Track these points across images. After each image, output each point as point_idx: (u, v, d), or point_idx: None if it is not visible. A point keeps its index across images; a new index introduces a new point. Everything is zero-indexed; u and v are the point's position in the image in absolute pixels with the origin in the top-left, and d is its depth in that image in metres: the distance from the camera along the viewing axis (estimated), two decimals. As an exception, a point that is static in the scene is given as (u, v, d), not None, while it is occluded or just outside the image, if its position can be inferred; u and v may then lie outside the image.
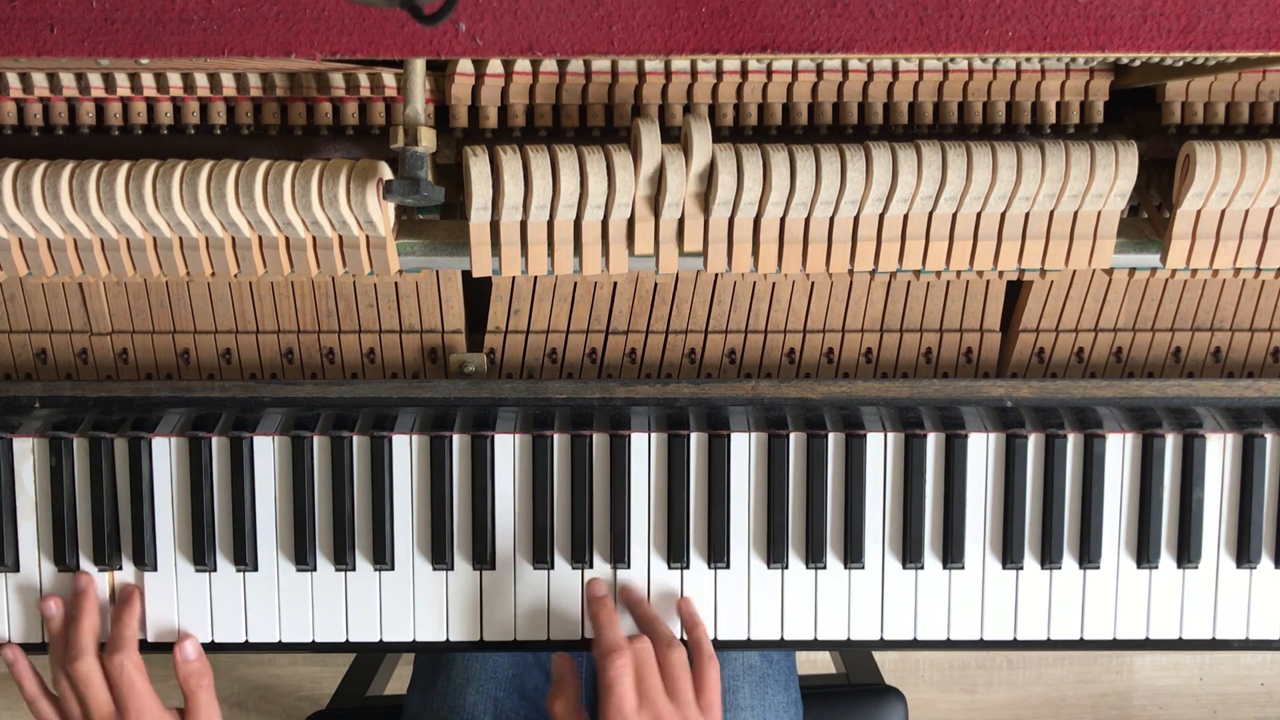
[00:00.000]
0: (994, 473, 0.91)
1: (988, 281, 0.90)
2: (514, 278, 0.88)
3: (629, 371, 0.91)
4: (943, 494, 0.91)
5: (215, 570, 0.91)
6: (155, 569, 0.91)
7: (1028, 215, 0.78)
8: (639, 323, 0.90)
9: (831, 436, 0.91)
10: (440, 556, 0.91)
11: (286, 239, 0.78)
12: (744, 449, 0.91)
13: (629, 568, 0.91)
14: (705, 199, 0.76)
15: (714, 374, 0.91)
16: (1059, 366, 0.91)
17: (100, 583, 0.91)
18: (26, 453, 0.90)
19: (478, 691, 1.02)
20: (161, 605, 0.91)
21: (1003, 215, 0.78)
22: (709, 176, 0.75)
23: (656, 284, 0.89)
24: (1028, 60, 0.83)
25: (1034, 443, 0.91)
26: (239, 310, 0.89)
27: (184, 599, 0.91)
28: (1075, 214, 0.79)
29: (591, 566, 0.91)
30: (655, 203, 0.76)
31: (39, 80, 0.82)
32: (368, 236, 0.78)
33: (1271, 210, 0.79)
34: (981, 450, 0.91)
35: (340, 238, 0.78)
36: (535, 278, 0.88)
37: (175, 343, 0.90)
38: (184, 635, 0.91)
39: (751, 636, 0.92)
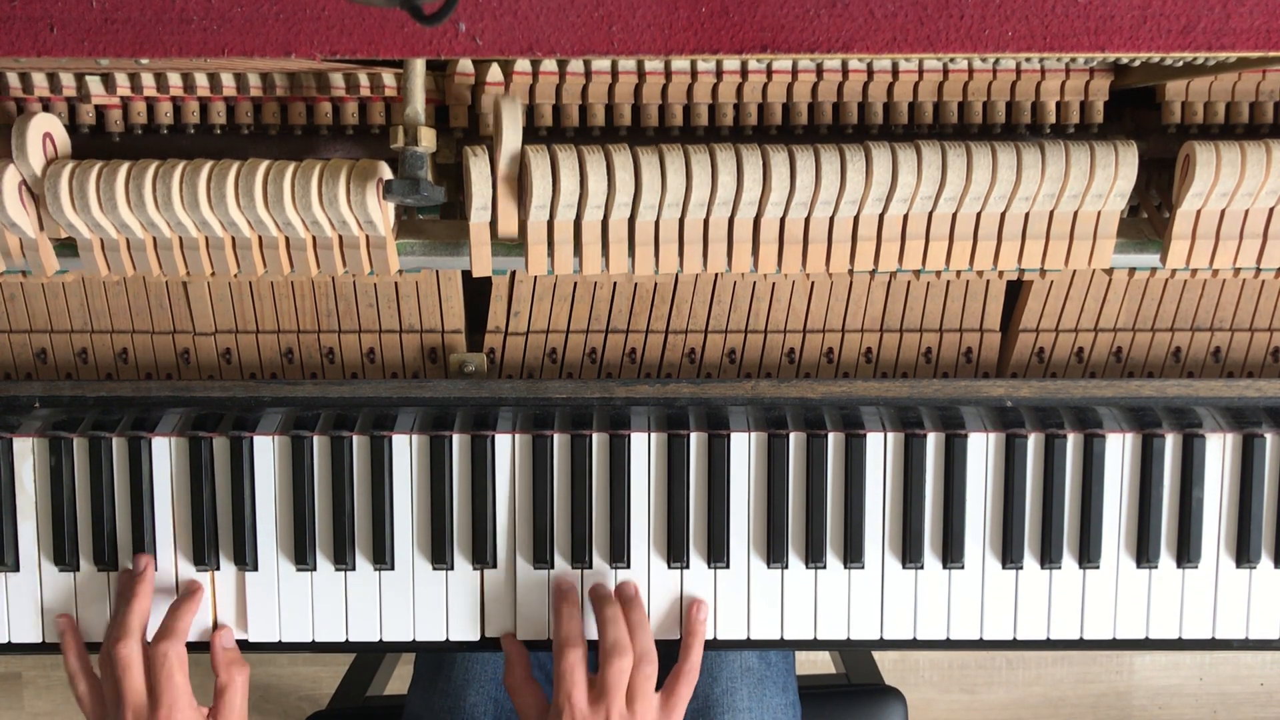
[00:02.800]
0: (994, 472, 0.91)
1: (988, 281, 0.90)
2: (514, 277, 0.88)
3: (629, 371, 0.91)
4: (943, 494, 0.91)
5: (216, 570, 0.91)
6: (155, 569, 0.91)
7: (1028, 215, 0.78)
8: (639, 322, 0.90)
9: (831, 436, 0.91)
10: (440, 556, 0.91)
11: (286, 239, 0.78)
12: (744, 449, 0.91)
13: (629, 567, 0.91)
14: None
15: (714, 374, 0.91)
16: (1059, 366, 0.92)
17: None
18: (26, 452, 0.90)
19: (478, 692, 1.02)
20: (161, 605, 0.91)
21: (1002, 215, 0.78)
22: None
23: (656, 284, 0.89)
24: (1028, 60, 0.83)
25: (1034, 442, 0.91)
26: (239, 310, 0.89)
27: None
28: (1075, 214, 0.79)
29: (591, 566, 0.91)
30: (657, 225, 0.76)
31: (39, 80, 0.82)
32: (368, 236, 0.78)
33: (1271, 210, 0.79)
34: (981, 450, 0.91)
35: (340, 238, 0.78)
36: (535, 278, 0.88)
37: (175, 343, 0.90)
38: (222, 625, 0.90)
39: (751, 636, 0.92)
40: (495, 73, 0.82)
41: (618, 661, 0.84)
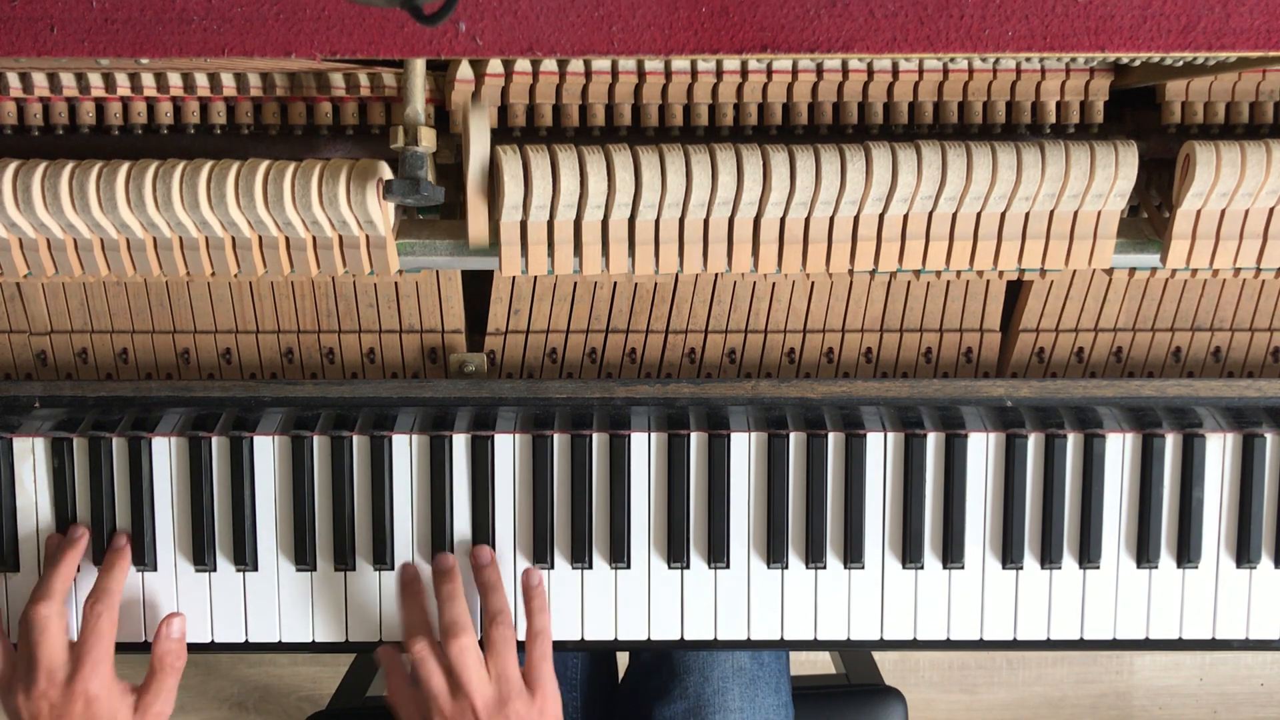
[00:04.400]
0: (994, 472, 0.91)
1: (988, 281, 0.90)
2: (514, 278, 0.88)
3: (629, 371, 0.91)
4: (943, 494, 0.91)
5: (215, 570, 0.91)
6: (155, 569, 0.91)
7: (1028, 215, 0.78)
8: (639, 323, 0.90)
9: (831, 436, 0.91)
10: (440, 556, 0.91)
11: (286, 239, 0.78)
12: (744, 449, 0.91)
13: (629, 568, 0.91)
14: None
15: (714, 374, 0.91)
16: (1059, 366, 0.92)
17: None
18: (26, 453, 0.90)
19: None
20: (161, 605, 0.91)
21: (1003, 215, 0.78)
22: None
23: (656, 284, 0.89)
24: (1028, 60, 0.83)
25: (1034, 442, 0.91)
26: (239, 310, 0.89)
27: (184, 599, 0.91)
28: (1075, 214, 0.79)
29: (591, 567, 0.91)
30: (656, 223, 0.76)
31: (39, 80, 0.82)
32: (368, 236, 0.78)
33: (1271, 210, 0.79)
34: (981, 450, 0.91)
35: (340, 238, 0.78)
36: (535, 278, 0.88)
37: (175, 343, 0.90)
38: (175, 613, 0.89)
39: (751, 636, 0.92)
40: (495, 65, 0.81)
41: (455, 641, 0.83)
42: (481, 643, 0.85)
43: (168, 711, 0.86)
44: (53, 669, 0.82)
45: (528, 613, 0.89)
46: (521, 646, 0.87)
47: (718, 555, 0.91)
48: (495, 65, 0.82)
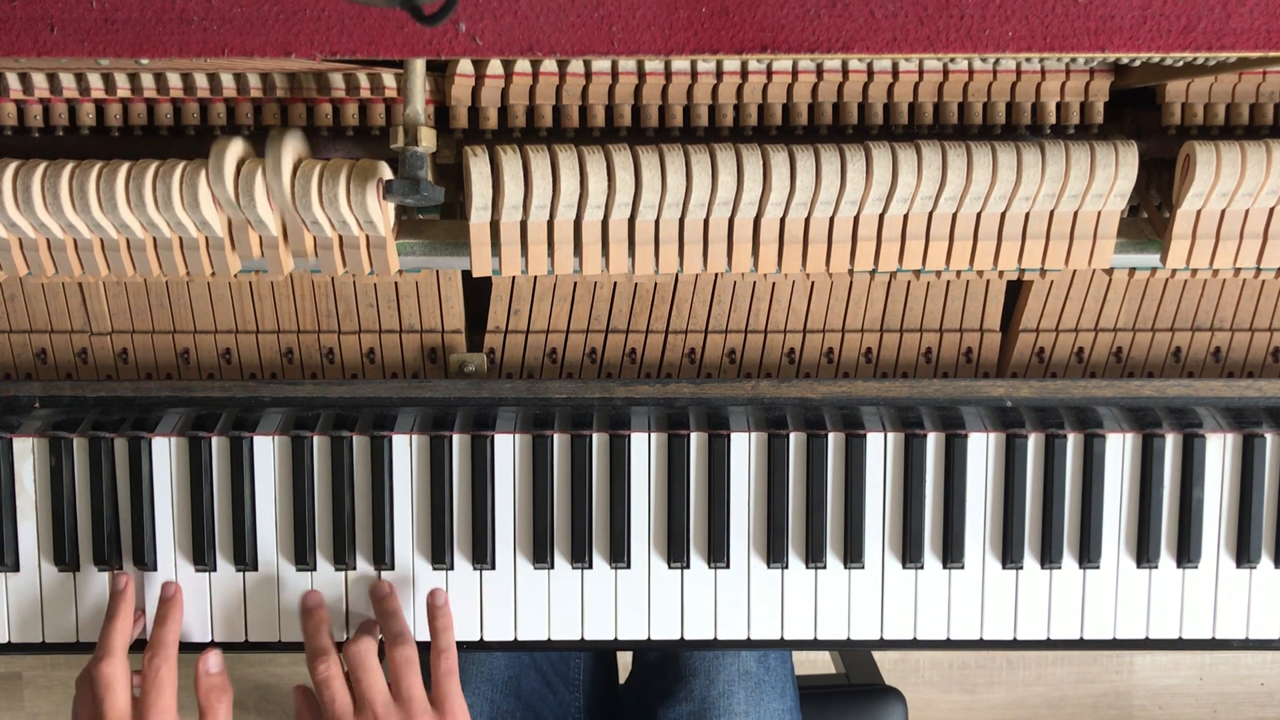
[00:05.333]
0: (994, 472, 0.91)
1: (988, 281, 0.90)
2: (514, 278, 0.88)
3: (629, 371, 0.91)
4: (943, 494, 0.91)
5: (215, 570, 0.91)
6: (155, 569, 0.91)
7: (1028, 215, 0.78)
8: (639, 323, 0.90)
9: (831, 436, 0.91)
10: (440, 556, 0.91)
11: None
12: (744, 449, 0.91)
13: (629, 568, 0.91)
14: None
15: (714, 374, 0.91)
16: (1059, 366, 0.92)
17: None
18: (26, 453, 0.90)
19: (474, 693, 1.02)
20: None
21: (1003, 215, 0.78)
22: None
23: (656, 284, 0.89)
24: (1028, 60, 0.83)
25: (1034, 443, 0.91)
26: (239, 310, 0.89)
27: (184, 599, 0.91)
28: (1075, 214, 0.79)
29: (591, 566, 0.91)
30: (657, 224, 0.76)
31: (39, 80, 0.82)
32: (368, 236, 0.78)
33: (1271, 210, 0.79)
34: (981, 450, 0.91)
35: (340, 238, 0.78)
36: (535, 278, 0.88)
37: (175, 343, 0.90)
38: (210, 647, 0.89)
39: (751, 636, 0.92)
40: (495, 66, 0.82)
41: (353, 645, 0.85)
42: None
43: None
44: None
45: (432, 631, 0.89)
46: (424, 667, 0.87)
47: (718, 555, 0.91)
48: (495, 66, 0.82)
